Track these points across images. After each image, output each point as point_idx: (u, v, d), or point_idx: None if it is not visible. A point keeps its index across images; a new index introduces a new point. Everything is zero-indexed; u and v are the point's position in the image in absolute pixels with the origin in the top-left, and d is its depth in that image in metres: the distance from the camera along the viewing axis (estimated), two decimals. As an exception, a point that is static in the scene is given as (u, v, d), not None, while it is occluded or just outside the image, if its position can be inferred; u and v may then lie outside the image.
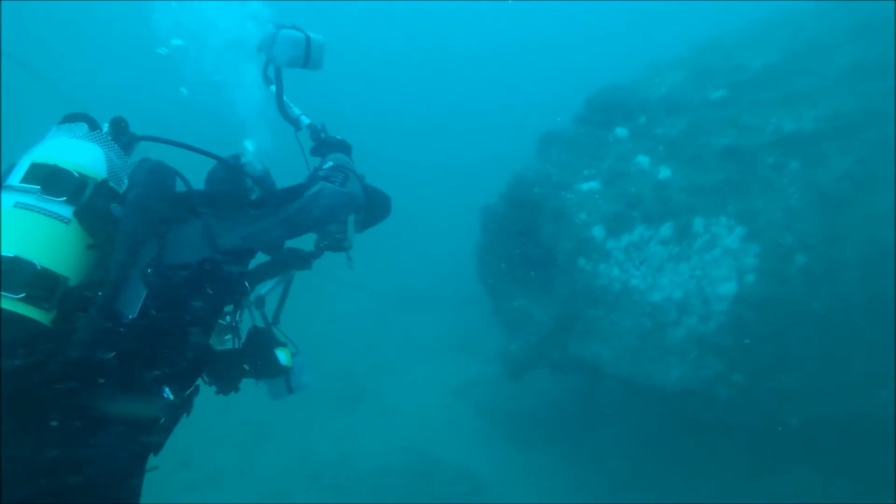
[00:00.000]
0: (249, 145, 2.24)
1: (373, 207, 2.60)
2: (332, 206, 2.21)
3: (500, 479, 7.72)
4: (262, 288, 2.60)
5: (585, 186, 5.74)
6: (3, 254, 1.61)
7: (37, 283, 1.62)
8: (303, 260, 2.55)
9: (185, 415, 2.01)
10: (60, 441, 1.61)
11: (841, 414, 6.19)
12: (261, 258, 2.47)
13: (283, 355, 2.38)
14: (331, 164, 2.42)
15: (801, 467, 6.72)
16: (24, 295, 1.59)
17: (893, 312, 5.59)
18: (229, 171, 2.32)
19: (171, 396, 1.81)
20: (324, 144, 2.58)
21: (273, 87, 2.63)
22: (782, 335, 5.72)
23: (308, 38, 2.51)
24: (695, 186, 5.60)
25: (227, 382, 2.22)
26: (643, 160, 5.78)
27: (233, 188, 2.30)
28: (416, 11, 26.60)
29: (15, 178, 1.77)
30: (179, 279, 1.89)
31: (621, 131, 6.02)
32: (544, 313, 6.07)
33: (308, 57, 2.52)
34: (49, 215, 1.71)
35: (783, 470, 6.77)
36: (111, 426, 1.70)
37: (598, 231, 5.54)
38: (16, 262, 1.61)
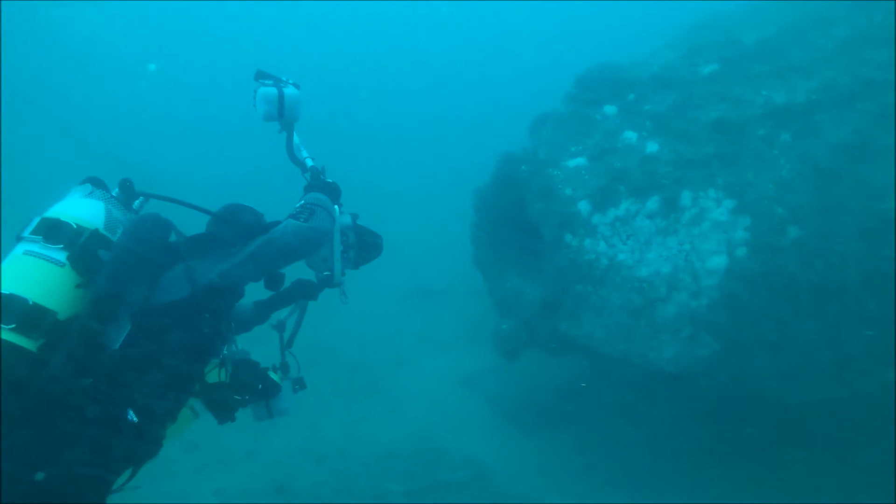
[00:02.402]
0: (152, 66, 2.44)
1: (363, 247, 2.81)
2: (295, 241, 2.37)
3: (503, 467, 7.71)
4: (282, 313, 2.84)
5: (572, 163, 5.74)
6: (1, 291, 1.94)
7: (28, 315, 1.93)
8: (309, 291, 2.78)
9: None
10: (30, 451, 1.84)
11: (846, 396, 5.99)
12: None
13: (275, 378, 2.65)
14: (302, 202, 2.57)
15: (807, 454, 6.51)
16: (14, 325, 1.90)
17: (894, 288, 5.41)
18: (222, 219, 2.55)
19: (136, 419, 1.98)
20: (308, 186, 2.74)
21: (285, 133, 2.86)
22: (777, 311, 5.58)
23: (281, 94, 2.71)
24: (682, 160, 5.53)
25: (222, 412, 2.45)
26: (630, 136, 5.75)
27: (221, 231, 2.49)
28: (415, 8, 27.02)
29: (27, 230, 2.14)
30: (158, 316, 2.13)
31: (609, 108, 6.00)
32: (535, 292, 6.08)
33: (282, 112, 2.73)
34: (47, 260, 2.06)
35: (788, 457, 6.57)
36: (79, 442, 1.89)
37: (583, 206, 5.53)
38: (11, 298, 1.94)
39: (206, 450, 8.10)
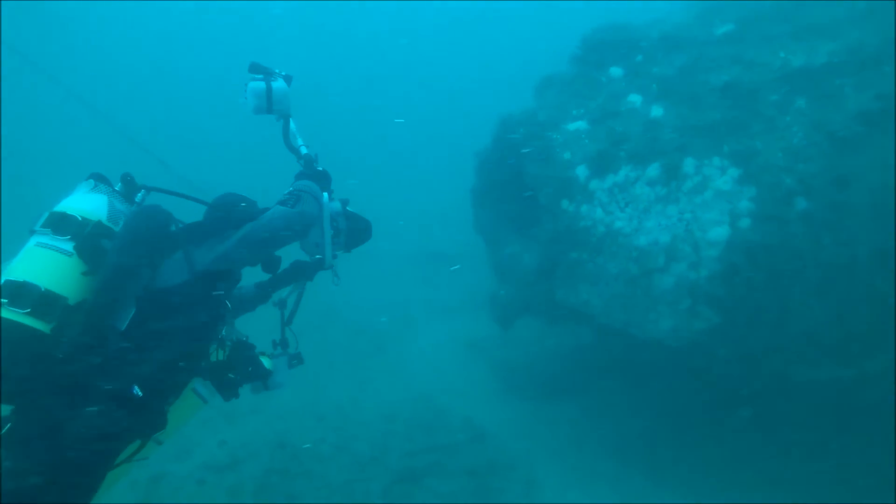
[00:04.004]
0: None
1: (353, 232, 2.96)
2: (282, 225, 2.51)
3: (501, 431, 7.73)
4: (283, 293, 3.00)
5: (572, 126, 5.54)
6: (16, 279, 2.16)
7: (40, 301, 2.13)
8: (304, 272, 2.91)
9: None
10: (41, 425, 2.03)
11: (852, 376, 5.78)
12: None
13: (265, 362, 2.82)
14: (290, 189, 2.71)
15: (808, 435, 6.34)
16: (29, 310, 2.10)
17: (906, 264, 5.14)
18: (217, 208, 2.70)
19: (140, 393, 2.14)
20: (299, 174, 2.88)
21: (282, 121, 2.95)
22: (781, 286, 5.37)
23: (269, 88, 2.82)
24: (687, 126, 5.28)
25: (226, 391, 2.63)
26: (635, 99, 5.50)
27: (216, 219, 2.63)
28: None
29: (38, 224, 2.33)
30: (160, 299, 2.30)
31: (616, 70, 5.74)
32: (532, 259, 5.96)
33: (271, 105, 2.83)
34: (56, 250, 2.25)
35: (787, 437, 6.42)
36: (86, 416, 2.06)
37: (581, 171, 5.35)
38: (24, 285, 2.14)
39: (212, 404, 8.27)
